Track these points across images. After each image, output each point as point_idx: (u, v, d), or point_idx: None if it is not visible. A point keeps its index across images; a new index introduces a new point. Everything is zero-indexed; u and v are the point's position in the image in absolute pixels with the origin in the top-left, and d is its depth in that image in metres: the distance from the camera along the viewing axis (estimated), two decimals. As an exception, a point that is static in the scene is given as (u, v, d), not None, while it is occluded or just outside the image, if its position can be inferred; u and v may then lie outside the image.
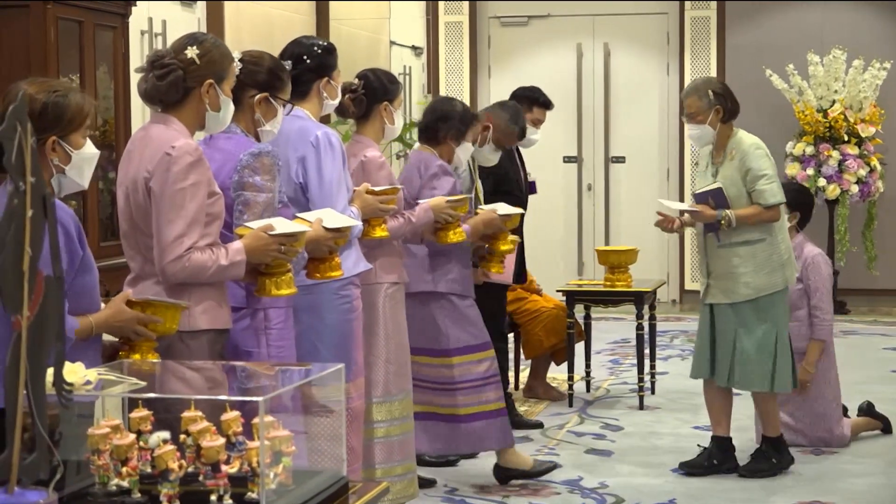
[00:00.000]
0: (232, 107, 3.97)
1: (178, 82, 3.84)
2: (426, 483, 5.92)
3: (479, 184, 6.57)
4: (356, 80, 5.28)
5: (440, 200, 5.45)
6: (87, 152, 3.47)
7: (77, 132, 3.44)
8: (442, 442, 5.89)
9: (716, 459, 6.15)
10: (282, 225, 3.89)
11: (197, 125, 3.91)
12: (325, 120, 4.99)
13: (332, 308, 4.74)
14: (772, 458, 6.10)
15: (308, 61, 4.84)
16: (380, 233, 4.99)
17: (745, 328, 5.97)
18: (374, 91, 5.26)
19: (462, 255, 5.81)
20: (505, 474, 6.02)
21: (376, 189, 4.94)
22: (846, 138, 11.14)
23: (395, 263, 5.29)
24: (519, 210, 5.96)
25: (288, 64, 4.82)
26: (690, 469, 6.15)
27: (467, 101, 12.20)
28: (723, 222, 5.90)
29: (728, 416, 6.19)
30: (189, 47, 3.86)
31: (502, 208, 5.86)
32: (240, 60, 4.13)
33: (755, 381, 6.02)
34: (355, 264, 4.85)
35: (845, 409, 6.79)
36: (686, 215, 6.08)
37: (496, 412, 5.87)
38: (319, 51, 4.88)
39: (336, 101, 4.98)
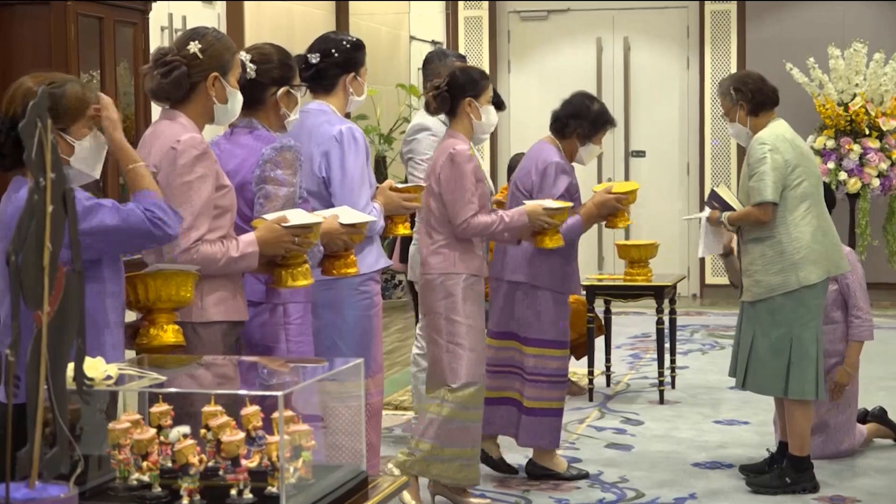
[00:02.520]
0: (240, 97, 3.98)
1: (183, 78, 3.84)
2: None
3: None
4: (445, 77, 5.38)
5: (537, 207, 5.43)
6: (93, 143, 3.49)
7: (77, 123, 3.45)
8: (513, 427, 5.98)
9: (777, 465, 5.89)
10: (296, 216, 3.89)
11: (206, 119, 3.92)
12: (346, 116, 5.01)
13: (352, 304, 4.75)
14: (786, 477, 5.74)
15: (335, 55, 4.86)
16: (402, 230, 4.99)
17: (761, 329, 5.73)
18: (460, 87, 5.32)
19: (569, 252, 5.91)
20: (538, 471, 6.03)
21: (400, 186, 4.95)
22: (867, 132, 11.10)
23: (474, 256, 5.34)
24: (635, 185, 5.91)
25: (315, 57, 4.84)
26: (751, 473, 5.93)
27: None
28: (722, 225, 5.82)
29: None
30: (191, 42, 3.87)
31: (617, 186, 5.85)
32: (250, 61, 4.15)
33: (766, 386, 5.77)
34: (376, 261, 4.86)
35: (865, 415, 6.59)
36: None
37: (557, 411, 5.96)
38: (348, 45, 4.90)
39: (362, 98, 4.99)
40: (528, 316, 5.85)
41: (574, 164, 5.98)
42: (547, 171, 5.75)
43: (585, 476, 6.03)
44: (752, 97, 5.81)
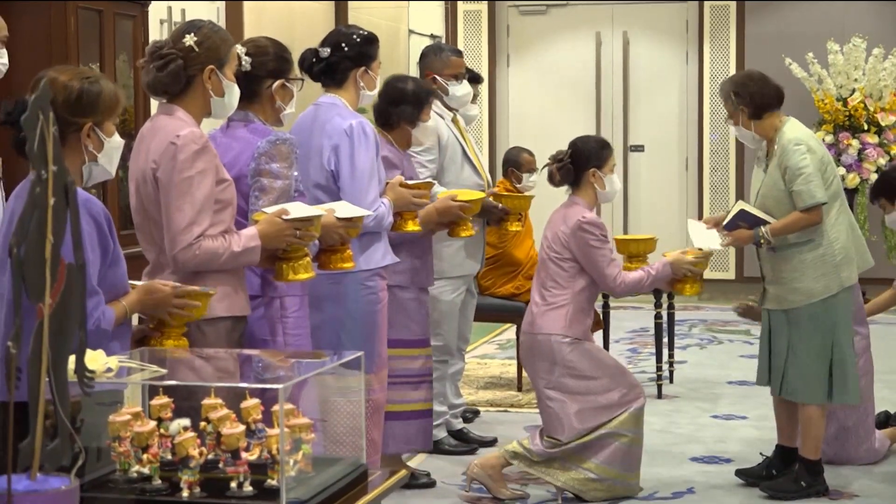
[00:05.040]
0: (237, 90, 3.97)
1: (179, 71, 3.84)
2: (427, 484, 5.77)
3: (472, 146, 6.27)
4: (566, 149, 5.43)
5: (681, 258, 5.48)
6: (116, 141, 3.48)
7: (110, 120, 3.44)
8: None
9: (775, 469, 5.77)
10: (296, 209, 3.89)
11: (203, 112, 3.91)
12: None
13: (357, 298, 4.75)
14: (801, 481, 5.59)
15: (346, 49, 4.87)
16: (412, 227, 4.98)
17: (800, 335, 5.54)
18: (583, 159, 5.39)
19: (414, 246, 5.45)
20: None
21: (410, 182, 4.95)
22: (866, 127, 11.11)
23: (583, 322, 5.42)
24: (478, 194, 5.60)
25: (326, 51, 4.85)
26: (747, 477, 5.80)
27: (486, 91, 12.19)
28: (762, 241, 5.50)
29: (793, 425, 5.74)
30: (187, 35, 3.86)
31: (462, 195, 5.52)
32: (246, 54, 4.14)
33: (809, 392, 5.55)
34: (383, 257, 4.86)
35: (886, 419, 6.44)
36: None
37: (425, 412, 5.68)
38: (358, 39, 4.91)
39: (374, 93, 5.00)
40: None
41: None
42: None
43: (433, 484, 5.79)
44: (752, 100, 5.59)
